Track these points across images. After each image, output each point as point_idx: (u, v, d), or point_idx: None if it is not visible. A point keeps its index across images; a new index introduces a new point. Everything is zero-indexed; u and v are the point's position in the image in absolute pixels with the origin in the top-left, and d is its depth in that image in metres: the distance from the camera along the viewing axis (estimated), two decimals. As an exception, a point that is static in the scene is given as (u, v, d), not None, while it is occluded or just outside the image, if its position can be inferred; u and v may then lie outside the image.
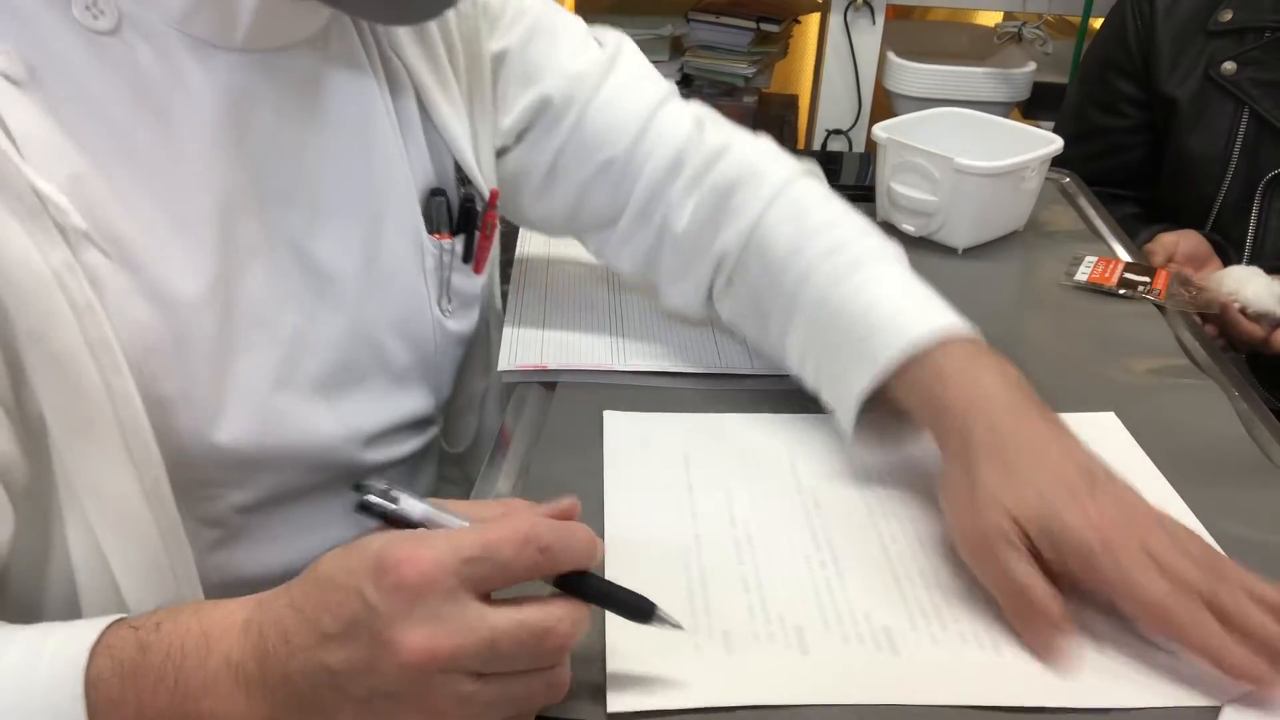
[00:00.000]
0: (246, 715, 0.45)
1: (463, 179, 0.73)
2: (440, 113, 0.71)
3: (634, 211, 0.76)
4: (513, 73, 0.76)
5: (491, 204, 0.75)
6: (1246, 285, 1.07)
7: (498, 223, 0.76)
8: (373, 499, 0.45)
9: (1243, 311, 1.06)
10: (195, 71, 0.57)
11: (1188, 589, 0.51)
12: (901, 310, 0.64)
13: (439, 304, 0.73)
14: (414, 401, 0.73)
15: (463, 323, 0.76)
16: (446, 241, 0.72)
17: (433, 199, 0.71)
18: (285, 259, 0.63)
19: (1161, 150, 1.42)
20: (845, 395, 0.65)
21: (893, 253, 0.70)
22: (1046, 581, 0.53)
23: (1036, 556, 0.53)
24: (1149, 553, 0.52)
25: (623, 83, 0.77)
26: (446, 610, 0.42)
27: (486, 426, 0.83)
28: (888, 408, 0.64)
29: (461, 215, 0.73)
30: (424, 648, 0.41)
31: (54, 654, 0.46)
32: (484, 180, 0.74)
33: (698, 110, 0.78)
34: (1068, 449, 0.57)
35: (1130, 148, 1.42)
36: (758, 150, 0.76)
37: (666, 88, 0.78)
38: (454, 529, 0.44)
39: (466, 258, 0.74)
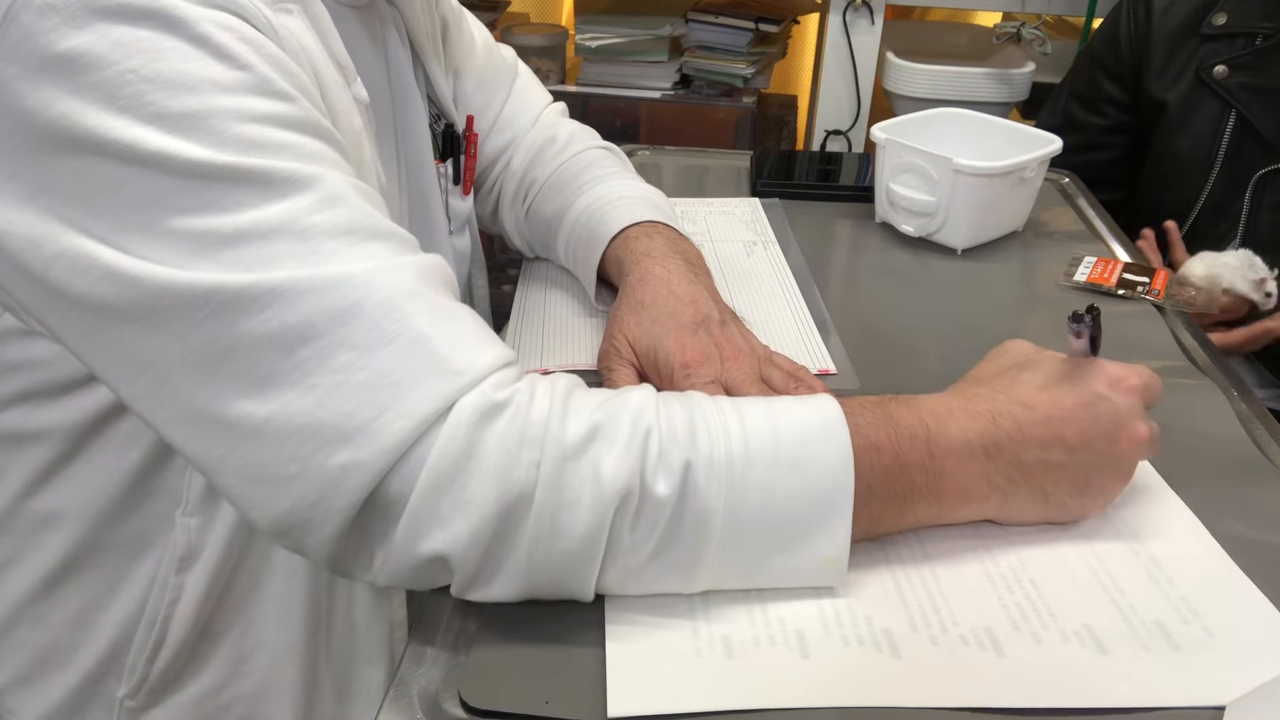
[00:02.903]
0: (977, 478, 0.58)
1: (435, 114, 0.85)
2: (424, 52, 0.82)
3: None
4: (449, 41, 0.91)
5: (469, 127, 0.89)
6: (1227, 269, 1.07)
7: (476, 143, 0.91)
8: (1088, 320, 0.59)
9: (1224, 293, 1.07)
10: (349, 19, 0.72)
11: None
12: (613, 215, 0.83)
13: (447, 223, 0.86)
14: None
15: (461, 241, 0.90)
16: (441, 166, 0.85)
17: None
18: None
19: (1133, 155, 1.44)
20: (586, 274, 0.84)
21: (622, 173, 0.91)
22: (635, 379, 0.71)
23: (648, 372, 0.72)
24: (721, 376, 0.69)
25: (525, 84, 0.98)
26: (1143, 411, 0.61)
27: None
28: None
29: (446, 141, 0.86)
30: (1147, 433, 0.60)
31: (802, 404, 0.57)
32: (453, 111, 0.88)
33: (561, 111, 1.00)
34: (694, 299, 0.74)
35: (1103, 147, 1.44)
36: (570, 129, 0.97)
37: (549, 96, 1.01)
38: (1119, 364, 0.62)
39: (456, 180, 0.88)
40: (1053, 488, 0.60)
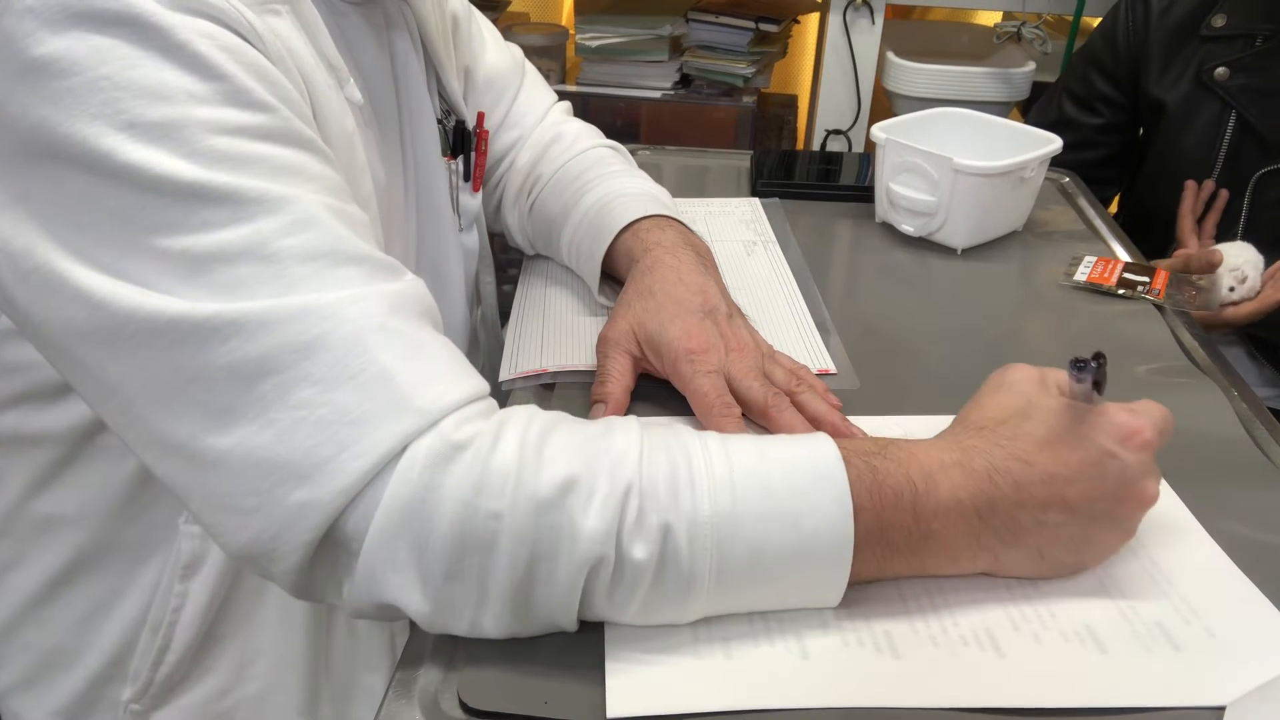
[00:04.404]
0: (966, 539, 0.55)
1: (446, 111, 0.85)
2: (435, 48, 0.82)
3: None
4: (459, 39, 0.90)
5: (480, 123, 0.89)
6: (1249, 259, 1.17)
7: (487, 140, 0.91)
8: (1092, 366, 0.56)
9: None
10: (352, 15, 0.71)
11: (752, 393, 0.66)
12: (623, 208, 0.83)
13: (456, 219, 0.87)
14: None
15: (470, 238, 0.90)
16: (452, 163, 0.85)
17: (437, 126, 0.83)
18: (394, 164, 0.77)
19: (1125, 154, 1.44)
20: (591, 268, 0.83)
21: (629, 170, 0.91)
22: (629, 378, 0.70)
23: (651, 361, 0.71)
24: (724, 366, 0.68)
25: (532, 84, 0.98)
26: (1154, 465, 0.57)
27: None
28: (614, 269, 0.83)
29: (457, 137, 0.86)
30: (1155, 492, 0.57)
31: (796, 448, 0.54)
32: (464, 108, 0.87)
33: (566, 110, 1.01)
34: (703, 289, 0.73)
35: (1095, 146, 1.44)
36: (575, 127, 0.97)
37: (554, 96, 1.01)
38: (1134, 404, 0.58)
39: (466, 177, 0.88)
40: (1049, 547, 0.57)
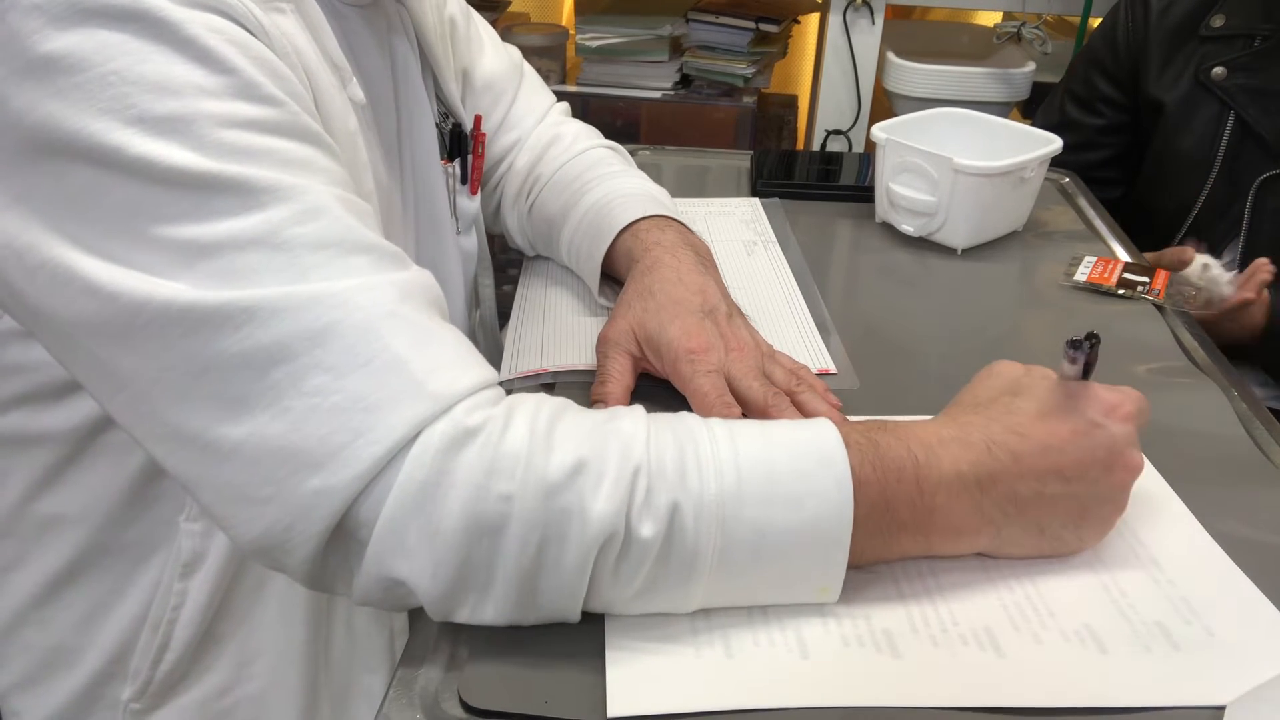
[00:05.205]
0: (969, 511, 0.56)
1: (443, 113, 0.85)
2: (433, 51, 0.82)
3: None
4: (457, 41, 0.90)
5: (477, 126, 0.89)
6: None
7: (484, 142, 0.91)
8: (1086, 346, 0.57)
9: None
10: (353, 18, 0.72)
11: (751, 393, 0.66)
12: (623, 208, 0.83)
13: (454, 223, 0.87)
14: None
15: (468, 241, 0.90)
16: (449, 166, 0.85)
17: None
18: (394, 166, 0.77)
19: (1128, 155, 1.44)
20: (591, 269, 0.84)
21: (628, 171, 0.91)
22: (628, 378, 0.71)
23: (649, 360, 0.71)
24: (724, 366, 0.68)
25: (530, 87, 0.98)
26: (1136, 438, 0.59)
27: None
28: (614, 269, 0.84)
29: (454, 140, 0.86)
30: (1140, 462, 0.59)
31: (799, 431, 0.55)
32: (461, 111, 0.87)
33: (565, 111, 1.00)
34: (702, 289, 0.74)
35: (1099, 147, 1.44)
36: (573, 127, 0.97)
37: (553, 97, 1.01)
38: (1113, 387, 0.60)
39: (463, 180, 0.88)
40: (1048, 520, 0.58)
